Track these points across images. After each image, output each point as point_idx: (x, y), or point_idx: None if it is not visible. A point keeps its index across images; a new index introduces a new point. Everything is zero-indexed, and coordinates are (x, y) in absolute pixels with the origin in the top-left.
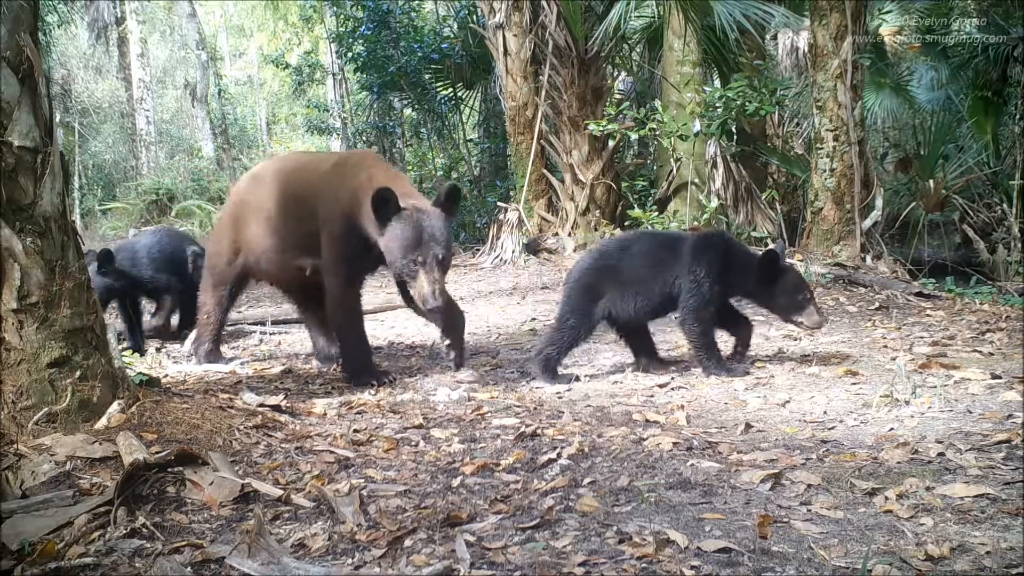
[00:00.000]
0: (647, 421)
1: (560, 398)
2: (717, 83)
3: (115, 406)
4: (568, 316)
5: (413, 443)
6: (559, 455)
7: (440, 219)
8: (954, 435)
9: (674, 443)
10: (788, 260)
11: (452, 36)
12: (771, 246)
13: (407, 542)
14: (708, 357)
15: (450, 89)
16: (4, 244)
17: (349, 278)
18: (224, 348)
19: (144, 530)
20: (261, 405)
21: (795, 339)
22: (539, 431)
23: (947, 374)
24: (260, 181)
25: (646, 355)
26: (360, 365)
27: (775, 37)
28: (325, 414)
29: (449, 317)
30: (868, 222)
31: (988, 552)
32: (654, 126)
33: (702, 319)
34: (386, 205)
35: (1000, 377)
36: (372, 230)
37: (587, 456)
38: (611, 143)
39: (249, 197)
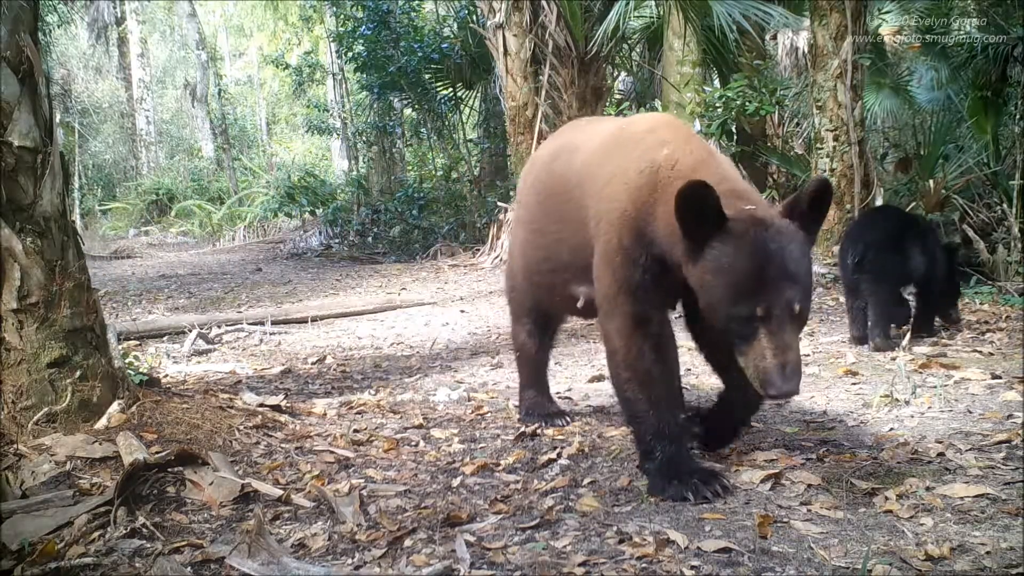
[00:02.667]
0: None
1: (560, 398)
2: (717, 83)
3: (115, 406)
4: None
5: (413, 443)
6: (559, 455)
7: (797, 240)
8: (954, 435)
9: None
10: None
11: (452, 36)
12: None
13: (407, 542)
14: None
15: (450, 89)
16: (4, 244)
17: (636, 319)
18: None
19: (144, 530)
20: (261, 405)
21: None
22: (539, 431)
23: (947, 374)
24: (533, 160)
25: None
26: (666, 463)
27: (775, 37)
28: (325, 414)
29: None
30: None
31: (988, 552)
32: None
33: None
34: (701, 212)
35: (1000, 377)
36: (675, 249)
37: (587, 456)
38: None
39: (522, 185)
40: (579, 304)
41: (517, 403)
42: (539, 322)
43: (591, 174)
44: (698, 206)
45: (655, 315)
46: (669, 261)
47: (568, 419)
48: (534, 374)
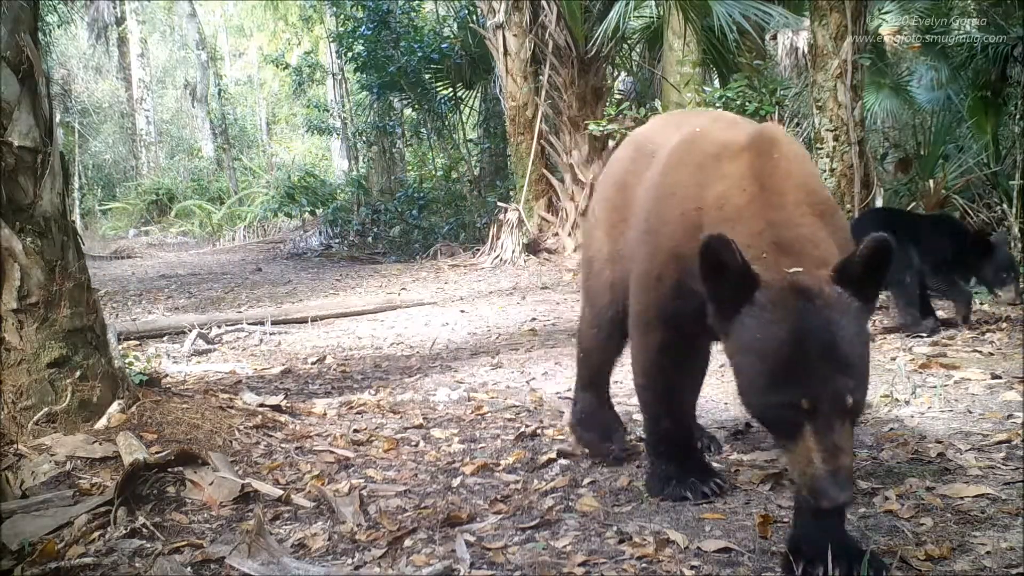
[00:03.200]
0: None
1: (560, 398)
2: (717, 83)
3: (115, 406)
4: None
5: (413, 443)
6: (559, 455)
7: (850, 312)
8: (954, 435)
9: None
10: None
11: (452, 36)
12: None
13: (407, 542)
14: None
15: (450, 89)
16: (4, 244)
17: (662, 345)
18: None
19: (144, 530)
20: (261, 405)
21: None
22: (539, 431)
23: (947, 374)
24: (641, 147)
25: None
26: (666, 466)
27: (775, 37)
28: (325, 414)
29: None
30: None
31: (988, 552)
32: None
33: None
34: (723, 273)
35: (1000, 377)
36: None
37: (587, 456)
38: (611, 143)
39: (631, 176)
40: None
41: (570, 408)
42: (619, 326)
43: (648, 186)
44: (718, 266)
45: (684, 343)
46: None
47: (624, 443)
48: (596, 375)
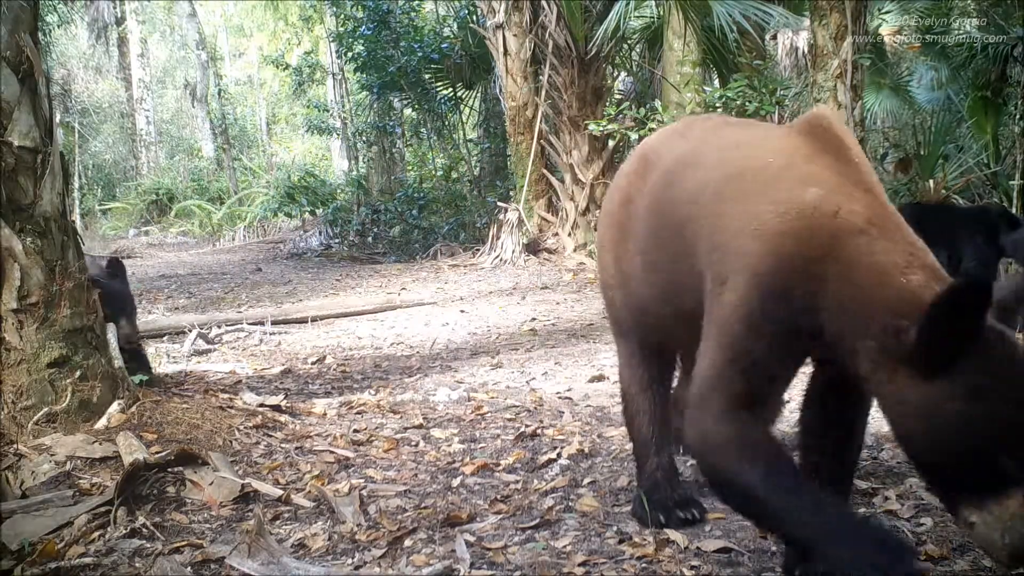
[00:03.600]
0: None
1: (560, 398)
2: (717, 83)
3: (115, 406)
4: None
5: (413, 443)
6: (559, 455)
7: None
8: None
9: None
10: None
11: (452, 36)
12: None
13: (407, 542)
14: None
15: (450, 89)
16: (4, 244)
17: (744, 400)
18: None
19: (144, 530)
20: (261, 405)
21: None
22: (539, 431)
23: None
24: (647, 157)
25: None
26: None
27: (775, 37)
28: (325, 414)
29: None
30: None
31: None
32: (654, 126)
33: None
34: (960, 323)
35: None
36: (854, 337)
37: (587, 456)
38: (611, 143)
39: (627, 182)
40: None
41: (635, 477)
42: (654, 352)
43: (703, 209)
44: (961, 315)
45: (770, 398)
46: (812, 333)
47: (699, 512)
48: (653, 428)
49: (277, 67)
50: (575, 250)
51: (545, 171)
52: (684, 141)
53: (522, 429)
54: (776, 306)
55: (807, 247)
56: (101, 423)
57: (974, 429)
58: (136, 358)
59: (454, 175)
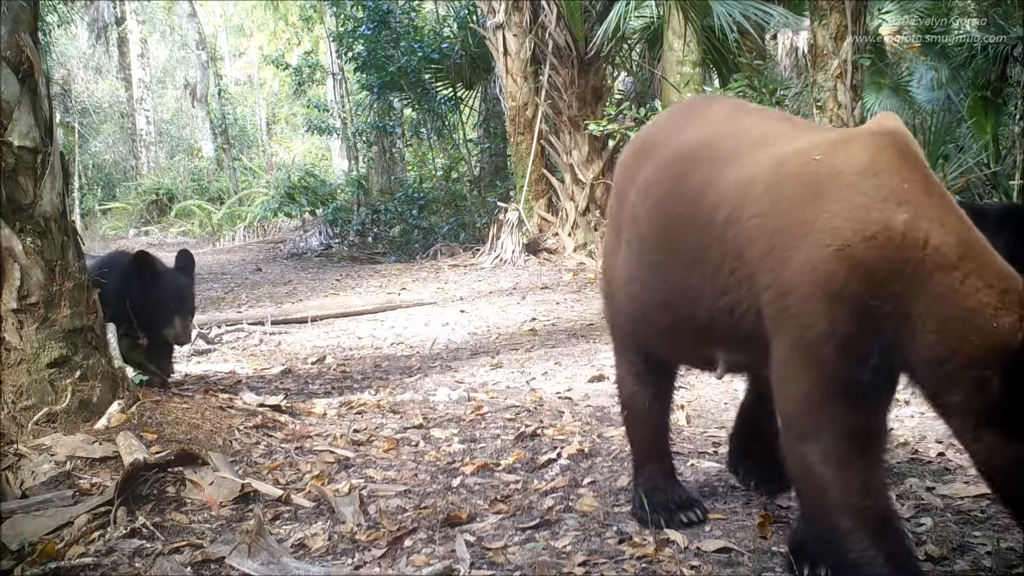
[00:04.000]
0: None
1: (560, 398)
2: (717, 83)
3: (115, 406)
4: None
5: (413, 443)
6: (559, 455)
7: None
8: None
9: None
10: None
11: (452, 36)
12: None
13: (407, 542)
14: None
15: (450, 89)
16: (4, 244)
17: (860, 436)
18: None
19: (144, 530)
20: (261, 405)
21: None
22: (539, 431)
23: None
24: (649, 150)
25: None
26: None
27: (775, 37)
28: (325, 414)
29: None
30: None
31: (988, 552)
32: None
33: None
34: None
35: None
36: (949, 381)
37: (587, 456)
38: (611, 143)
39: (625, 179)
40: (717, 372)
41: (632, 482)
42: (654, 363)
43: (752, 209)
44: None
45: (882, 428)
46: (891, 342)
47: (701, 512)
48: (652, 438)
49: (277, 67)
50: (575, 250)
51: (545, 171)
52: (693, 129)
53: (522, 429)
54: (862, 329)
55: (893, 278)
56: (101, 423)
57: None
58: (164, 359)
59: (454, 175)
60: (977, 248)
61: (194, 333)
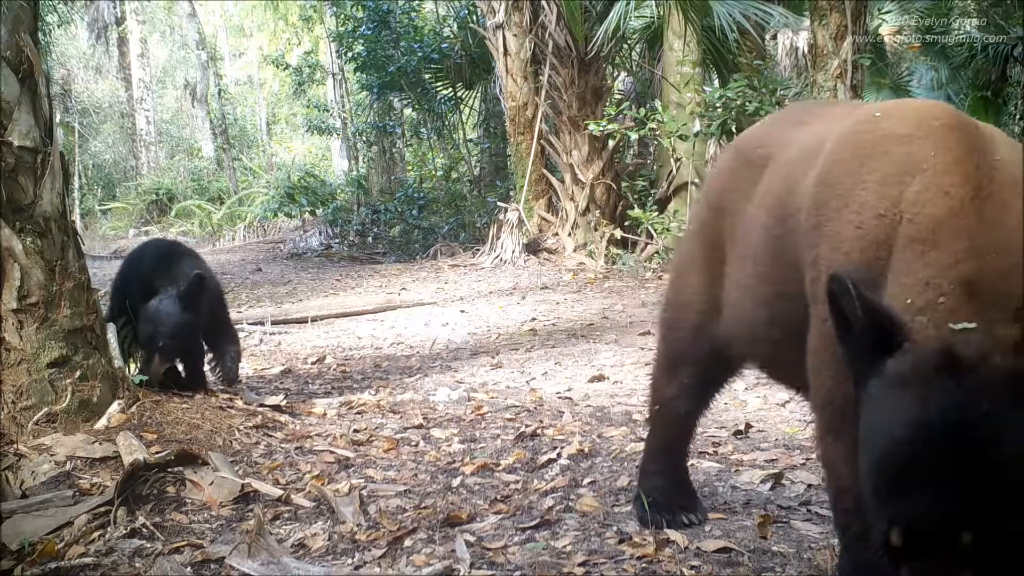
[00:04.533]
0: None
1: (560, 398)
2: (717, 83)
3: (115, 406)
4: None
5: (413, 443)
6: (559, 455)
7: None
8: None
9: None
10: None
11: (452, 36)
12: None
13: (407, 542)
14: None
15: (450, 89)
16: (4, 244)
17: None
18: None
19: (144, 530)
20: (261, 405)
21: None
22: (539, 431)
23: None
24: (748, 157)
25: None
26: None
27: (775, 37)
28: (325, 414)
29: None
30: None
31: None
32: (654, 126)
33: None
34: (850, 326)
35: None
36: None
37: (587, 456)
38: (611, 143)
39: (731, 194)
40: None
41: (638, 470)
42: (707, 380)
43: (814, 196)
44: (842, 314)
45: None
46: None
47: (701, 515)
48: (675, 443)
49: (277, 67)
50: (575, 250)
51: (545, 171)
52: (808, 133)
53: (522, 429)
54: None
55: (886, 247)
56: (101, 423)
57: (864, 475)
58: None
59: (454, 175)
60: (962, 229)
61: None
